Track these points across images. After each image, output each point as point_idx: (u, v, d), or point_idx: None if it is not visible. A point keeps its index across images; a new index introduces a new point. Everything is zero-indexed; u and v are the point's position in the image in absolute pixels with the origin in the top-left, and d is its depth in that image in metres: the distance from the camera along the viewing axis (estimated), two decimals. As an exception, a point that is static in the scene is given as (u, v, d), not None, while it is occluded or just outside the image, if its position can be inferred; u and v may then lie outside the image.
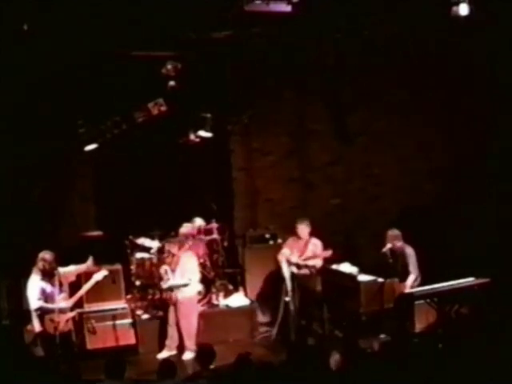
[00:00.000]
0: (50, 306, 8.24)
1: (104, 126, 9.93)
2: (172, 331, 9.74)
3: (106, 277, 8.93)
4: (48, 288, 8.28)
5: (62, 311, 8.26)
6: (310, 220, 10.19)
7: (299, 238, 10.13)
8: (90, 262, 8.78)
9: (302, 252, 10.06)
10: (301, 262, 10.00)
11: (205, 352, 6.89)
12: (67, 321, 8.38)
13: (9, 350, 9.03)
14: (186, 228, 10.19)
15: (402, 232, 9.77)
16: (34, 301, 8.26)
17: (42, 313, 8.25)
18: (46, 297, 8.27)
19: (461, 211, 11.51)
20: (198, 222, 10.75)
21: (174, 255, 9.74)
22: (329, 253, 9.93)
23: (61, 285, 8.34)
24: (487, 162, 11.50)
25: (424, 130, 11.88)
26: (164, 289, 9.74)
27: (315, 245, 10.11)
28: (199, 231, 10.75)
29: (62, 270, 8.44)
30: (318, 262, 10.04)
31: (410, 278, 9.53)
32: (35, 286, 8.27)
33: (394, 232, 9.68)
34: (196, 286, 9.82)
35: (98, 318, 9.74)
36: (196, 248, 10.59)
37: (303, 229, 10.10)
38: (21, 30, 8.18)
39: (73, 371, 7.85)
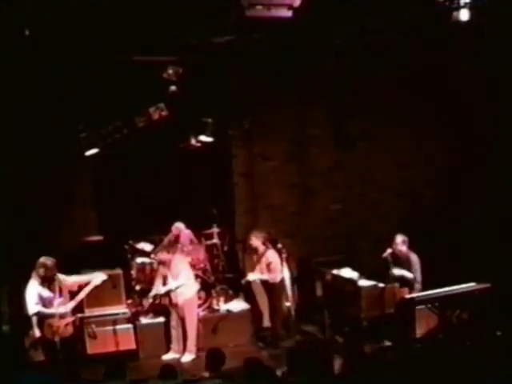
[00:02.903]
0: (48, 310, 8.24)
1: (105, 130, 9.94)
2: (176, 333, 9.78)
3: (104, 281, 8.91)
4: (46, 293, 8.28)
5: (61, 316, 8.25)
6: (311, 226, 10.11)
7: (255, 250, 10.08)
8: (98, 278, 8.72)
9: (257, 265, 10.06)
10: (254, 278, 10.02)
11: (214, 356, 6.85)
12: (67, 325, 8.37)
13: (9, 355, 9.01)
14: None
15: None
16: (31, 306, 8.25)
17: (41, 318, 8.24)
18: (44, 302, 8.26)
19: (461, 216, 11.51)
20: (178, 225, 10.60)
21: (163, 261, 9.71)
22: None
23: (60, 290, 8.33)
24: (487, 166, 11.50)
25: (424, 136, 11.88)
26: (162, 294, 9.75)
27: (268, 258, 9.96)
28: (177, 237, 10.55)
29: (62, 277, 8.43)
30: (272, 277, 9.90)
31: (417, 287, 9.49)
32: (33, 291, 8.27)
33: (401, 237, 9.65)
34: (194, 286, 9.85)
35: (98, 323, 9.73)
36: (196, 253, 10.62)
37: (253, 241, 10.04)
38: (22, 36, 8.19)
39: (74, 375, 7.82)
